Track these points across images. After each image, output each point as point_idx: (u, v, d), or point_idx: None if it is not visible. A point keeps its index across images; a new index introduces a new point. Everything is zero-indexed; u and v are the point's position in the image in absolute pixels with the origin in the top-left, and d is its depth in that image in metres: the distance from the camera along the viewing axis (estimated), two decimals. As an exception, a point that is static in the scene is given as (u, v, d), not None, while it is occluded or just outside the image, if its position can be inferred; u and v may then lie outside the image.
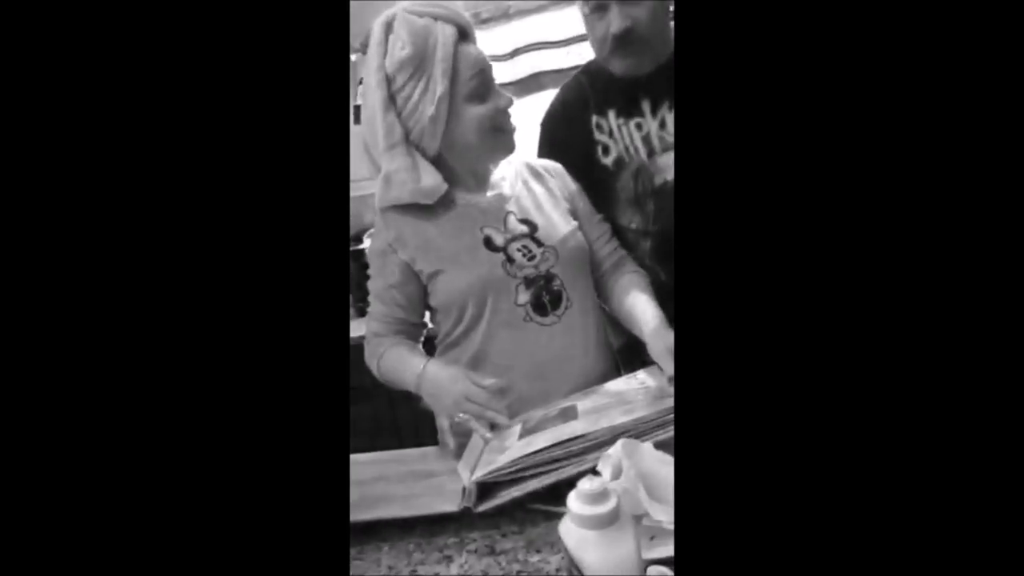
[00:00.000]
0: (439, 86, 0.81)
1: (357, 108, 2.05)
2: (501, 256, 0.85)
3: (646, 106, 0.97)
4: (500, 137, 0.86)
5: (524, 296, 0.84)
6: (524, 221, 0.87)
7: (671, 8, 0.95)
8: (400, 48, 0.81)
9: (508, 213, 0.87)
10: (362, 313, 1.97)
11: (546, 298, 0.85)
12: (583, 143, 1.01)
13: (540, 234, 0.86)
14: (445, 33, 0.81)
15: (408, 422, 1.74)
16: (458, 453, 0.79)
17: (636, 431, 0.64)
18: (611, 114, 1.00)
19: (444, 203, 0.89)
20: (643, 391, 0.74)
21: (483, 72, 0.84)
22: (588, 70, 1.05)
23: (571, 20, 1.80)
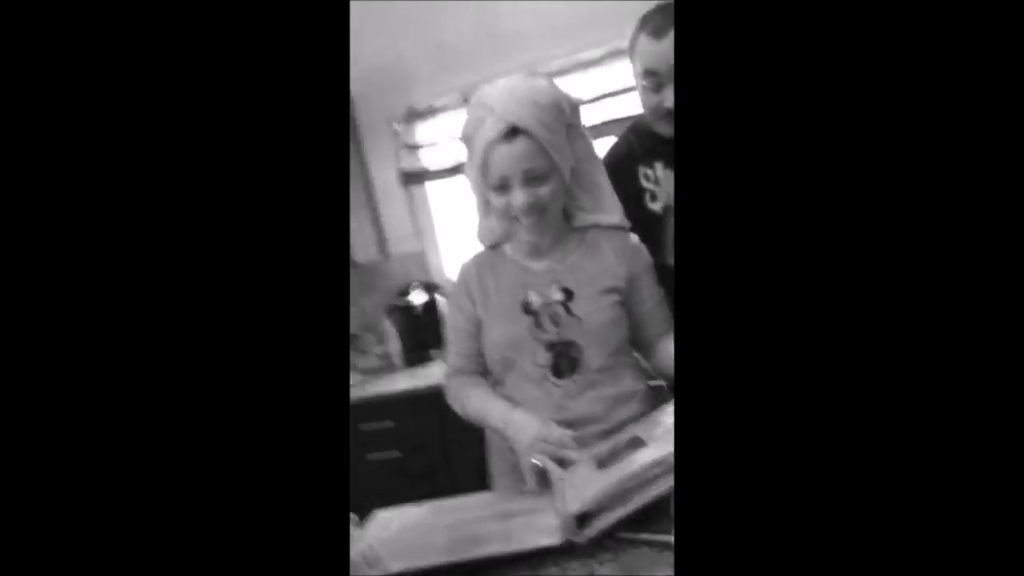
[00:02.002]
0: (474, 167, 0.93)
1: (402, 173, 2.18)
2: (531, 319, 0.94)
3: None
4: (516, 224, 0.94)
5: (544, 358, 0.93)
6: (564, 289, 0.95)
7: None
8: (463, 124, 0.94)
9: (554, 281, 0.96)
10: (411, 363, 2.06)
11: (564, 362, 0.93)
12: (633, 191, 1.11)
13: (573, 303, 0.94)
14: (489, 130, 0.88)
15: (462, 469, 1.78)
16: (537, 491, 0.85)
17: None
18: (658, 165, 1.10)
19: (505, 259, 1.00)
20: None
21: (505, 177, 0.89)
22: (635, 127, 1.16)
23: (595, 81, 1.93)
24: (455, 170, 2.07)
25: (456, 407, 1.03)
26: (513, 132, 0.87)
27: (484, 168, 0.91)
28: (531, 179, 0.90)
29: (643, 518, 0.70)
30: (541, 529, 0.73)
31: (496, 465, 1.05)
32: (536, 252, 0.99)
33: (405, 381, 1.91)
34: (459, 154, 2.06)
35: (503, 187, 0.91)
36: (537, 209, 0.91)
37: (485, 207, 0.99)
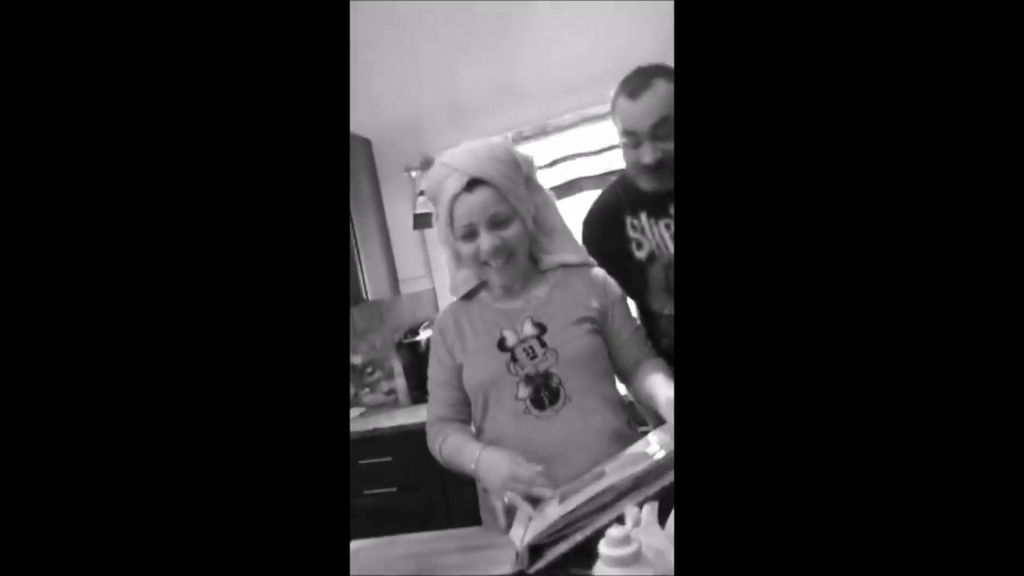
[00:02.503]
0: (441, 220, 1.00)
1: (415, 216, 2.27)
2: (508, 356, 0.98)
3: (673, 209, 1.10)
4: (486, 269, 1.00)
5: (524, 391, 0.97)
6: (537, 324, 0.99)
7: None
8: (425, 183, 1.02)
9: (527, 317, 1.00)
10: (416, 400, 2.09)
11: (544, 394, 0.96)
12: (619, 239, 1.16)
13: (547, 336, 0.98)
14: (452, 184, 0.95)
15: (458, 507, 1.78)
16: (507, 530, 0.87)
17: (655, 473, 0.72)
18: (643, 215, 1.14)
19: (480, 304, 1.06)
20: (658, 443, 0.81)
21: (471, 224, 0.95)
22: (623, 180, 1.21)
23: (601, 134, 2.02)
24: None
25: (435, 452, 1.06)
26: (474, 183, 0.95)
27: (451, 219, 0.97)
28: (495, 224, 0.96)
29: (594, 554, 0.71)
30: (499, 561, 0.75)
31: (483, 504, 1.07)
32: (508, 295, 1.04)
33: (406, 417, 1.94)
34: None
35: (470, 235, 0.97)
36: (504, 251, 0.97)
37: (456, 260, 1.06)
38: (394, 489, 1.85)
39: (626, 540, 0.49)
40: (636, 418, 1.06)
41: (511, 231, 0.97)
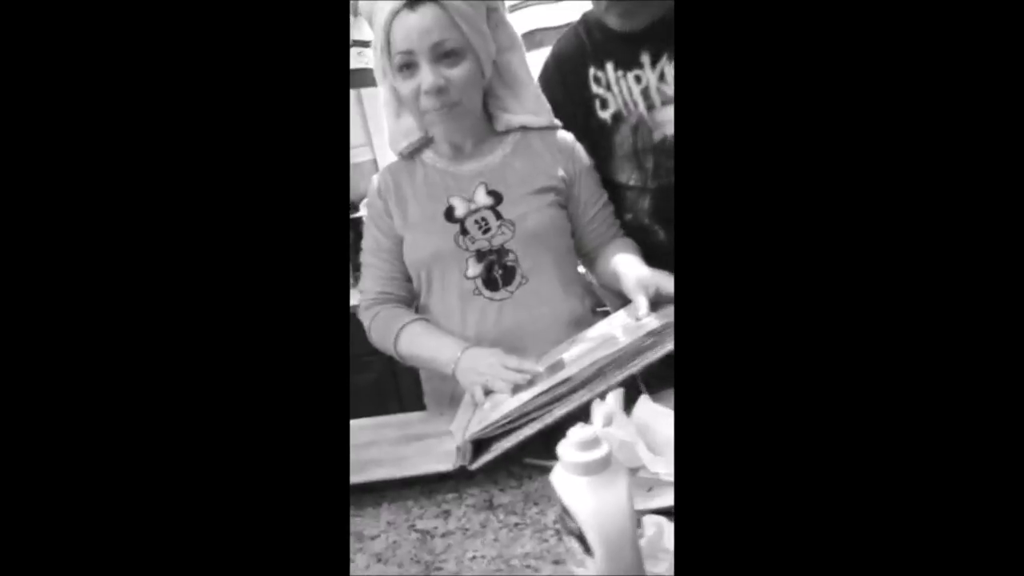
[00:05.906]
0: (377, 47, 0.81)
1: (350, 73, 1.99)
2: (456, 228, 0.84)
3: (645, 58, 0.93)
4: (427, 116, 0.82)
5: (474, 269, 0.84)
6: (492, 192, 0.85)
7: None
8: (362, 2, 0.82)
9: (480, 183, 0.86)
10: (358, 280, 1.97)
11: (497, 272, 0.84)
12: (580, 97, 0.99)
13: (503, 207, 0.85)
14: (390, 2, 0.77)
15: (411, 390, 1.75)
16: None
17: (618, 362, 0.64)
18: (609, 67, 0.97)
19: (424, 165, 0.90)
20: (622, 327, 0.73)
21: (409, 52, 0.77)
22: (585, 21, 1.02)
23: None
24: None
25: (383, 343, 0.92)
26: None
27: (387, 45, 0.79)
28: (440, 56, 0.78)
29: (552, 443, 0.64)
30: (439, 454, 0.67)
31: (427, 390, 0.99)
32: (458, 155, 0.88)
33: (353, 297, 1.83)
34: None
35: (409, 66, 0.79)
36: (447, 95, 0.79)
37: (397, 106, 0.88)
38: (341, 370, 1.80)
39: (594, 443, 0.39)
40: (596, 303, 0.97)
41: (460, 70, 0.79)
